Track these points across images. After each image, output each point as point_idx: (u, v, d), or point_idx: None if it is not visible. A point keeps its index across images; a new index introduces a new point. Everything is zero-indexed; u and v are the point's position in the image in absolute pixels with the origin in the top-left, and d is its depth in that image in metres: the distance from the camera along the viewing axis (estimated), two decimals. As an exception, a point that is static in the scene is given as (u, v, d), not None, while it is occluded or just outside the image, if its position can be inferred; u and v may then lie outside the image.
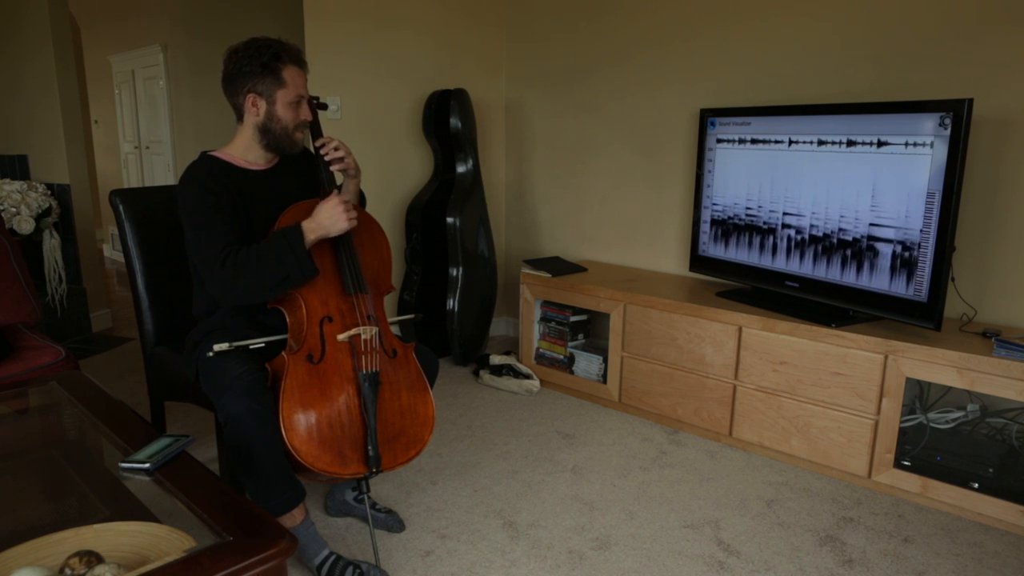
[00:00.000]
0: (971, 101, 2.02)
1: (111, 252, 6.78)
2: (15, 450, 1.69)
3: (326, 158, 1.84)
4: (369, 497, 1.96)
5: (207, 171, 1.79)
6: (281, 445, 1.64)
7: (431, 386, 1.92)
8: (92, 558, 1.09)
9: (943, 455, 2.23)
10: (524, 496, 2.26)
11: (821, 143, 2.42)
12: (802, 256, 2.52)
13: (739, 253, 2.75)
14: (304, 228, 1.71)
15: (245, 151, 1.87)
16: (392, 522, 2.05)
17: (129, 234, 2.17)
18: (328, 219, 1.72)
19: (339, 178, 1.95)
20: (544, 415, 2.92)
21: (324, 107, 1.92)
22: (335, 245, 1.82)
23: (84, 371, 2.11)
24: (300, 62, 1.83)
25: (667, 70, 3.13)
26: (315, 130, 1.90)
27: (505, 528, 2.08)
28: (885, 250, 2.27)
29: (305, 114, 1.85)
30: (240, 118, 1.85)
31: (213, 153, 1.86)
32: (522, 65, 3.73)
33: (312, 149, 1.91)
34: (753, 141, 2.63)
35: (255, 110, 1.80)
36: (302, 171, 1.97)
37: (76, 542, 1.17)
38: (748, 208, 2.69)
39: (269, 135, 1.83)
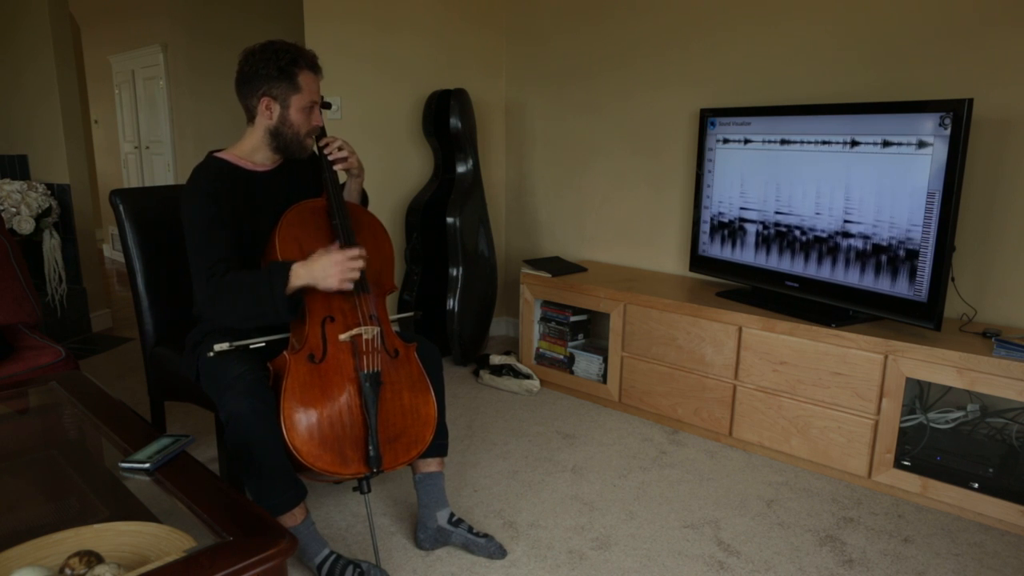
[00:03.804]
0: (971, 101, 2.02)
1: (111, 252, 6.77)
2: (15, 450, 1.69)
3: (329, 157, 1.85)
4: (465, 522, 1.95)
5: (212, 176, 1.79)
6: (282, 444, 1.64)
7: (440, 376, 1.92)
8: (92, 558, 1.09)
9: (943, 455, 2.23)
10: (524, 496, 2.26)
11: (821, 143, 2.42)
12: (799, 255, 2.52)
13: (739, 253, 2.75)
14: (292, 272, 1.65)
15: (252, 152, 1.87)
16: (493, 548, 1.91)
17: (129, 234, 2.17)
18: (321, 271, 1.66)
19: (343, 177, 1.95)
20: (544, 415, 2.92)
21: (328, 106, 1.92)
22: (340, 247, 1.81)
23: (84, 371, 2.11)
24: (316, 68, 1.83)
25: (667, 71, 3.13)
26: (319, 130, 1.90)
27: (505, 528, 2.08)
28: (885, 250, 2.27)
29: (317, 120, 1.85)
30: (251, 119, 1.85)
31: (219, 154, 1.86)
32: (522, 65, 3.73)
33: (316, 148, 1.92)
34: (753, 141, 2.63)
35: (268, 113, 1.80)
36: (306, 170, 1.97)
37: (76, 542, 1.17)
38: (748, 208, 2.69)
39: (280, 139, 1.84)
